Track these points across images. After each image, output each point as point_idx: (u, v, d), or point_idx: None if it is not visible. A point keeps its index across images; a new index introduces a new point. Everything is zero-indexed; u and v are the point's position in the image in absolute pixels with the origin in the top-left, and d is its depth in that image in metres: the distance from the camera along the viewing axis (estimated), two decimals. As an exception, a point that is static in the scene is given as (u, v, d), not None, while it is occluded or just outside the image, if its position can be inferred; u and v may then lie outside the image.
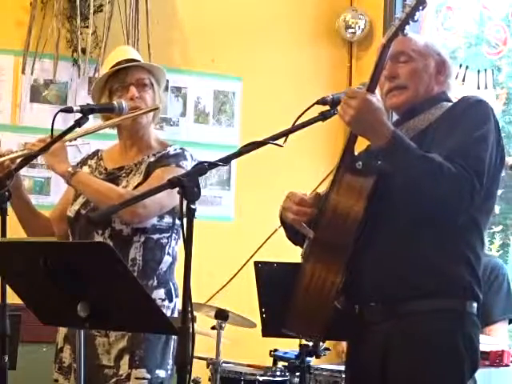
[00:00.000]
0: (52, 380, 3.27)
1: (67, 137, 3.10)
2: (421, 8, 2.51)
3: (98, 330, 3.08)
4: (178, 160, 3.16)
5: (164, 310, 3.07)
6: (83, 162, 3.36)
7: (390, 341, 2.58)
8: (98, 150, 3.41)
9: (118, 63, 3.23)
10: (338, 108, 2.57)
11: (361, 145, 2.71)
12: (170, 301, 3.17)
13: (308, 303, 2.58)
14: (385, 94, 2.76)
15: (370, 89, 2.55)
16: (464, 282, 2.58)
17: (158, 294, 3.14)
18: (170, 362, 3.12)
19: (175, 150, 3.22)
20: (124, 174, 3.22)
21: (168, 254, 3.20)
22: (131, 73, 3.22)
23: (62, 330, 3.22)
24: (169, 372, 3.13)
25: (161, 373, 3.10)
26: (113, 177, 3.22)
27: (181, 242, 3.18)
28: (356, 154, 2.67)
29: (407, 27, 2.54)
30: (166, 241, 3.19)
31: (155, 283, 3.15)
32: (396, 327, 2.57)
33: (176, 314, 3.15)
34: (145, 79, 3.23)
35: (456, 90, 2.86)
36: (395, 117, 2.87)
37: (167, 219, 3.17)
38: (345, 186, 2.58)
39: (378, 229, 2.60)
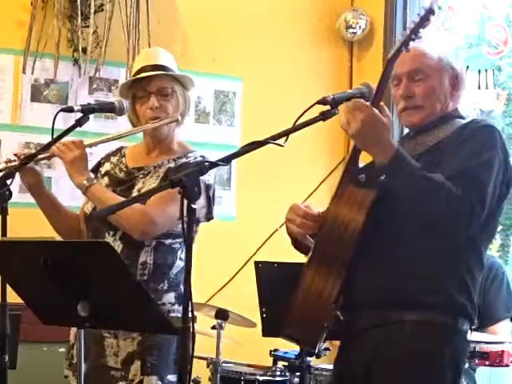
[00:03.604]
0: (51, 379, 3.27)
1: (87, 144, 3.13)
2: (425, 25, 2.58)
3: (107, 331, 3.07)
4: None
5: (174, 314, 3.08)
6: (106, 159, 3.36)
7: (376, 347, 2.60)
8: (121, 147, 3.41)
9: (143, 68, 3.22)
10: (341, 118, 2.57)
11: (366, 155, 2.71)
12: (180, 305, 3.12)
13: (305, 312, 2.58)
14: (400, 112, 2.77)
15: (375, 103, 2.56)
16: (456, 300, 2.59)
17: (168, 298, 3.13)
18: None
19: (195, 158, 3.19)
20: (141, 175, 3.21)
21: (180, 259, 3.16)
22: (153, 81, 3.20)
23: (74, 328, 3.19)
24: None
25: (172, 377, 3.09)
26: (132, 176, 3.22)
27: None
28: (361, 166, 2.68)
29: (411, 43, 2.58)
30: (179, 246, 3.16)
31: (166, 287, 3.14)
32: (384, 335, 2.59)
33: None
34: (166, 88, 3.21)
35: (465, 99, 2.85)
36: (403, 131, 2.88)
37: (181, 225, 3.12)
38: (346, 197, 2.59)
39: (377, 240, 2.60)
